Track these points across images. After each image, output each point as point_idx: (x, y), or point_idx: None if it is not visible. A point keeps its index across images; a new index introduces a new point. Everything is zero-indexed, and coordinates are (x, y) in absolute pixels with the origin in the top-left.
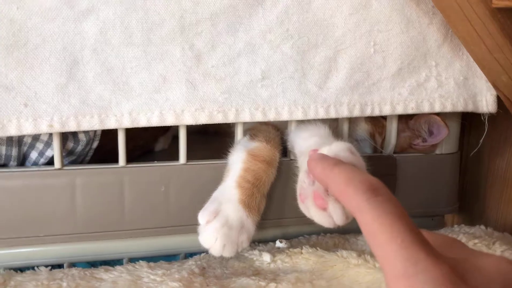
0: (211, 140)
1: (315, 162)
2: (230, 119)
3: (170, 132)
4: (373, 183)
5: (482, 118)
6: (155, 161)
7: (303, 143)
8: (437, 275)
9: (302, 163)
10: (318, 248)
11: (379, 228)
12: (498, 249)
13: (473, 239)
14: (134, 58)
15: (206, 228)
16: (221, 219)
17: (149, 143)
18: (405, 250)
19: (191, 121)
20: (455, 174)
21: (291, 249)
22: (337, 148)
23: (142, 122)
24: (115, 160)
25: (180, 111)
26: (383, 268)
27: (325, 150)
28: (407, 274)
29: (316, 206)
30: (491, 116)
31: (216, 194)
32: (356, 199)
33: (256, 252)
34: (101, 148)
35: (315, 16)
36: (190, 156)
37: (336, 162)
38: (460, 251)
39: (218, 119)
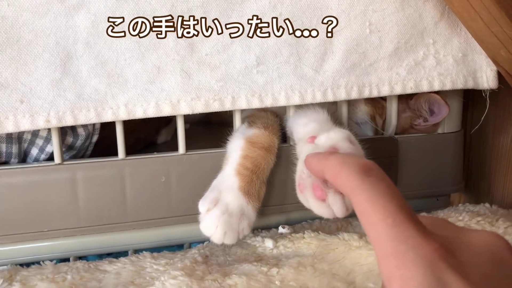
0: (214, 130)
1: (310, 157)
2: (227, 106)
3: (172, 124)
4: (367, 164)
5: (483, 95)
6: (155, 152)
7: (301, 129)
8: (426, 251)
9: (300, 151)
10: (320, 232)
11: (371, 208)
12: (501, 226)
13: (476, 217)
14: (127, 49)
15: (206, 216)
16: (221, 206)
17: (151, 136)
18: (396, 229)
19: (188, 111)
20: (459, 153)
21: (293, 234)
22: (336, 136)
23: (139, 114)
24: (116, 153)
25: (176, 101)
26: (374, 247)
27: (323, 138)
28: (397, 252)
29: (315, 197)
30: (492, 92)
31: (215, 182)
32: (350, 180)
33: (258, 238)
34: (102, 142)
35: None
36: (193, 147)
37: (330, 152)
38: (451, 231)
39: (215, 107)
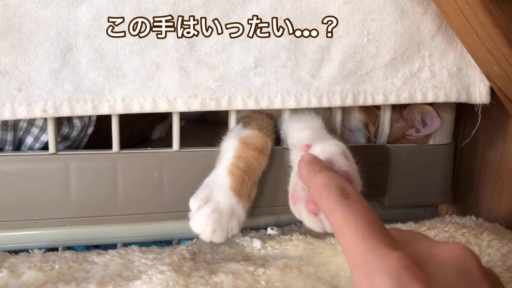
0: (209, 129)
1: (303, 164)
2: (223, 106)
3: (167, 120)
4: (346, 188)
5: (476, 109)
6: (149, 148)
7: (296, 135)
8: (391, 260)
9: (294, 159)
10: (308, 235)
11: (345, 225)
12: (485, 239)
13: (461, 229)
14: (127, 44)
15: (196, 214)
16: (211, 205)
17: (146, 131)
18: (364, 242)
19: (184, 108)
20: (449, 165)
21: (281, 236)
22: (331, 150)
23: (135, 108)
24: (111, 146)
25: (173, 98)
26: (347, 259)
27: (318, 148)
28: (365, 261)
29: (307, 211)
30: (485, 107)
31: (207, 180)
32: (329, 201)
33: (247, 238)
34: (97, 134)
35: (309, 5)
36: (187, 144)
37: (320, 169)
38: (421, 243)
39: (211, 106)
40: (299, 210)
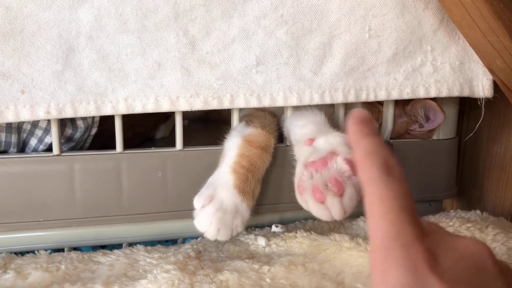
0: (212, 128)
1: (352, 121)
2: (225, 105)
3: (170, 120)
4: (389, 162)
5: (479, 103)
6: (152, 147)
7: (299, 131)
8: (413, 252)
9: (299, 153)
10: (312, 232)
11: (378, 203)
12: (490, 233)
13: (466, 223)
14: (129, 45)
15: (201, 212)
16: (216, 203)
17: (150, 131)
18: (392, 226)
19: (186, 107)
20: (453, 160)
21: (286, 233)
22: (335, 140)
23: (138, 109)
24: (115, 147)
25: (175, 97)
26: (370, 238)
27: (322, 141)
28: (385, 247)
29: (314, 199)
30: (488, 101)
31: (211, 179)
32: (370, 172)
33: (251, 236)
34: (100, 135)
35: (309, 1)
36: (190, 143)
37: (368, 131)
38: (440, 235)
39: (213, 105)
40: (306, 200)
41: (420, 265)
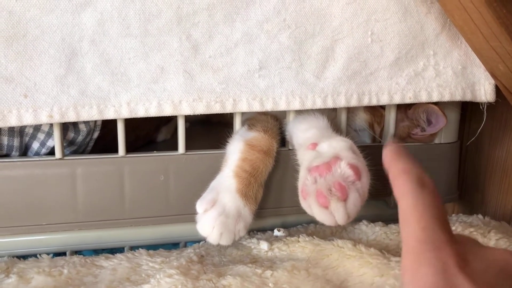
0: (214, 130)
1: (388, 149)
2: (228, 109)
3: (172, 122)
4: (424, 178)
5: (481, 107)
6: (154, 151)
7: (302, 135)
8: (443, 255)
9: (302, 157)
10: (315, 236)
11: (411, 214)
12: (493, 237)
13: (469, 228)
14: (132, 49)
15: (203, 217)
16: (218, 208)
17: (151, 134)
18: (424, 232)
19: (189, 111)
20: (455, 164)
21: (288, 238)
22: (339, 145)
23: (140, 113)
24: (116, 150)
25: (178, 101)
26: (402, 244)
27: (325, 145)
28: (417, 250)
29: (318, 204)
30: (490, 105)
31: (214, 183)
32: (405, 186)
33: (254, 240)
34: (102, 138)
35: (312, 6)
36: (192, 146)
37: (403, 155)
38: (476, 245)
39: (216, 109)
40: (310, 204)
41: (451, 266)
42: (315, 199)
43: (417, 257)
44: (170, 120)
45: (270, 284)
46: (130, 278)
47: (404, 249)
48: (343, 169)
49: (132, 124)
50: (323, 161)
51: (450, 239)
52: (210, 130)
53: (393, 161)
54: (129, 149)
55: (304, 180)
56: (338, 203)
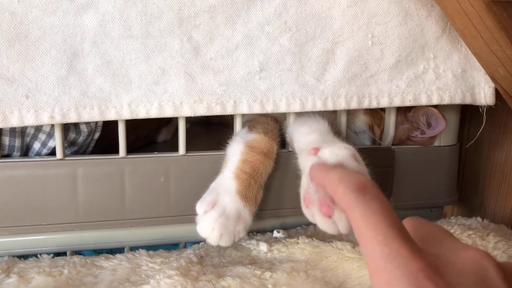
0: (214, 131)
1: (315, 168)
2: (228, 111)
3: (172, 123)
4: (362, 182)
5: (481, 111)
6: (155, 152)
7: (303, 139)
8: (413, 270)
9: (304, 163)
10: (314, 238)
11: (364, 226)
12: (492, 241)
13: (467, 231)
14: (133, 50)
15: (203, 218)
16: (218, 209)
17: (152, 134)
18: (386, 247)
19: (190, 113)
20: (454, 166)
21: (287, 239)
22: (342, 153)
23: (142, 114)
24: (117, 150)
25: (178, 103)
26: (367, 262)
27: (328, 152)
28: (386, 269)
29: (321, 213)
30: (490, 108)
31: (214, 184)
32: (346, 197)
33: (253, 241)
34: (103, 139)
35: (313, 9)
36: (192, 147)
37: (333, 167)
38: (443, 242)
39: (217, 111)
40: (313, 213)
41: (424, 282)
42: (319, 209)
43: (387, 278)
44: (171, 121)
45: (269, 286)
46: (130, 279)
47: (371, 268)
48: None
49: (132, 124)
50: None
51: (414, 250)
52: (211, 131)
53: (324, 177)
54: (130, 149)
55: (307, 188)
56: (342, 213)
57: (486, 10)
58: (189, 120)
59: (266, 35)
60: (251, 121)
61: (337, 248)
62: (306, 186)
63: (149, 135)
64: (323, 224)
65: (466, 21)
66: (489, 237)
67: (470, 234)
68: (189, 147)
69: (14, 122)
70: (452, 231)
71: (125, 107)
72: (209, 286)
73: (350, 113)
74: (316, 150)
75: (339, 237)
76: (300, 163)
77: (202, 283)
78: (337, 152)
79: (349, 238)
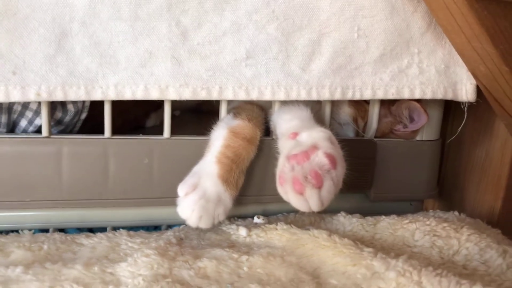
0: (204, 119)
1: None
2: (214, 96)
3: (161, 109)
4: None
5: (462, 107)
6: (140, 134)
7: (284, 125)
8: None
9: (282, 146)
10: (292, 225)
11: None
12: (465, 233)
13: (443, 223)
14: (122, 32)
15: (184, 200)
16: (199, 192)
17: (140, 119)
18: None
19: (175, 97)
20: (435, 161)
21: (267, 225)
22: (317, 135)
23: (127, 95)
24: (104, 132)
25: (164, 86)
26: None
27: (305, 135)
28: None
29: (294, 191)
30: (472, 105)
31: (196, 168)
32: None
33: (233, 226)
34: (91, 120)
35: None
36: (182, 134)
37: None
38: None
39: (202, 95)
40: (286, 191)
41: None
42: (292, 186)
43: None
44: (160, 106)
45: (244, 268)
46: (108, 256)
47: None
48: (320, 158)
49: (122, 107)
50: (301, 149)
51: None
52: (200, 119)
53: None
54: (118, 133)
55: (282, 167)
56: (312, 190)
57: (468, 7)
58: (179, 108)
59: (253, 23)
60: (237, 108)
61: (314, 236)
62: (282, 165)
63: (137, 119)
64: (295, 200)
65: (449, 17)
66: (463, 230)
67: (445, 226)
68: (179, 134)
69: (0, 97)
70: (428, 223)
71: (111, 87)
72: (186, 266)
73: (334, 104)
74: (295, 134)
75: (317, 225)
76: (279, 146)
77: (179, 263)
78: (314, 135)
79: (327, 226)
